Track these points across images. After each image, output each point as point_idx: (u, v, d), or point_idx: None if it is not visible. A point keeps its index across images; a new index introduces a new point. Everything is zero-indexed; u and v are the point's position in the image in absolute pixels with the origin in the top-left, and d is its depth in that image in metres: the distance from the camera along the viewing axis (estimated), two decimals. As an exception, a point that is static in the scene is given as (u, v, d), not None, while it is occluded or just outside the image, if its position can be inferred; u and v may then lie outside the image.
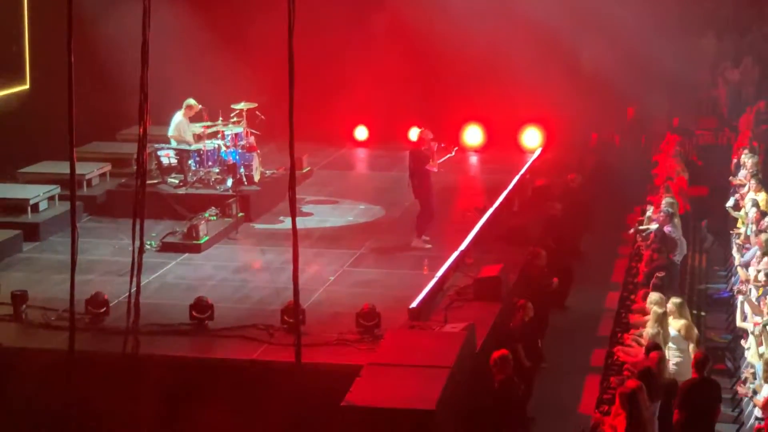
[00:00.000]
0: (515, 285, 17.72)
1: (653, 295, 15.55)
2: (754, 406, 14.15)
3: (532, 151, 27.10)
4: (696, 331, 15.16)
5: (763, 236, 18.36)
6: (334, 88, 27.20)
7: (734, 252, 19.86)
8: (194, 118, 21.94)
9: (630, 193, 24.19)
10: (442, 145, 20.72)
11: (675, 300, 15.26)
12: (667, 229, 19.01)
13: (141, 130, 11.30)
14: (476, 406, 14.06)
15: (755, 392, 14.08)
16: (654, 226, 19.44)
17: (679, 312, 15.08)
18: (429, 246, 19.77)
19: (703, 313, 19.30)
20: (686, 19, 28.71)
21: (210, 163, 21.66)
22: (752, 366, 14.83)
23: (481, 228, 20.09)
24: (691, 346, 14.75)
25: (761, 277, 17.20)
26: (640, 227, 20.29)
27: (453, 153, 21.30)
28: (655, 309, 15.03)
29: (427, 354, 14.09)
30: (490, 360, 13.73)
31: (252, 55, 25.99)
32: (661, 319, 14.84)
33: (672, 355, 14.56)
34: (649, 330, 14.79)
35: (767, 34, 31.92)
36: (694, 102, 29.58)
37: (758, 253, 18.09)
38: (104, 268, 18.38)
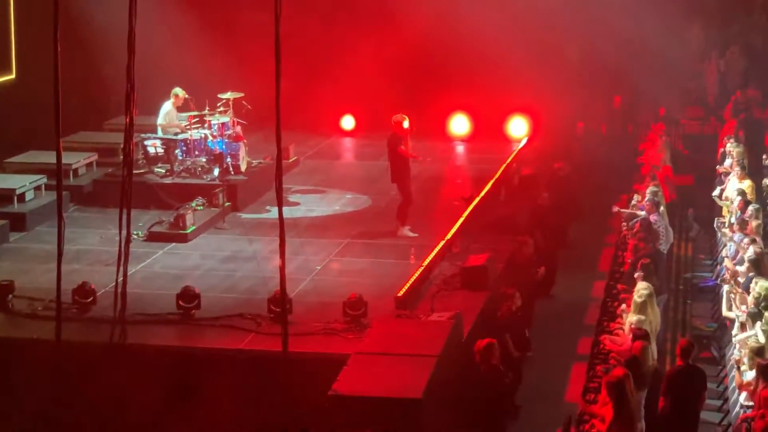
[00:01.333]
0: (502, 274, 17.74)
1: (640, 284, 15.59)
2: (740, 394, 14.22)
3: (519, 141, 27.12)
4: (655, 321, 15.17)
5: (754, 223, 18.41)
6: (321, 78, 27.20)
7: (720, 240, 19.92)
8: (181, 108, 21.94)
9: (616, 181, 24.23)
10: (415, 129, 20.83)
11: (643, 291, 15.26)
12: (653, 218, 19.06)
13: (128, 119, 11.31)
14: (463, 395, 14.10)
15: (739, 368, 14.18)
16: (642, 213, 19.48)
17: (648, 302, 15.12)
18: (414, 234, 19.79)
19: (688, 302, 19.36)
20: (673, 8, 28.72)
21: (197, 153, 21.65)
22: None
23: (468, 217, 20.10)
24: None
25: (744, 267, 17.25)
26: (625, 210, 20.34)
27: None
28: (635, 299, 15.09)
29: (414, 343, 14.11)
30: (475, 349, 13.76)
31: (239, 44, 25.97)
32: (642, 308, 14.89)
33: None
34: (633, 318, 14.83)
35: (753, 24, 31.97)
36: (681, 91, 29.63)
37: (745, 240, 18.13)
38: (91, 257, 18.38)
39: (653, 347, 14.34)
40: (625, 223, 19.96)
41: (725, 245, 19.45)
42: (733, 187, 20.92)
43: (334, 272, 18.08)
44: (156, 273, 17.98)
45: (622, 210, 20.48)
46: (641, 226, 18.79)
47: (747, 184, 20.74)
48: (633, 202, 20.76)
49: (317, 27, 27.28)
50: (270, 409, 13.99)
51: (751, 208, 19.15)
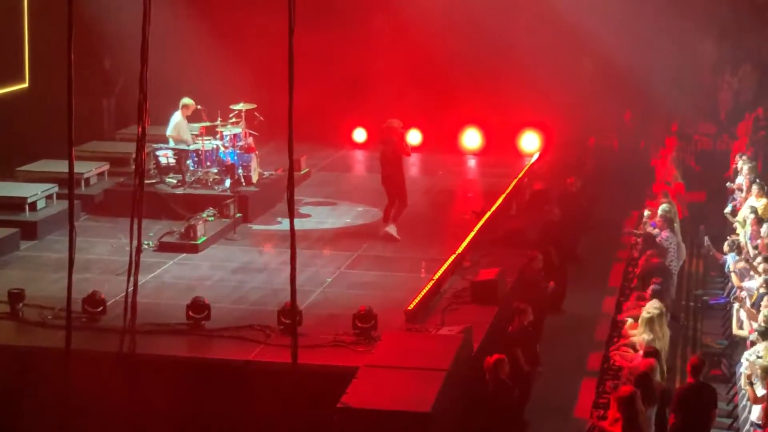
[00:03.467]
0: (512, 288, 17.72)
1: (651, 303, 15.55)
2: (749, 412, 14.16)
3: (531, 155, 27.11)
4: (663, 341, 15.14)
5: (766, 240, 18.37)
6: (334, 90, 27.22)
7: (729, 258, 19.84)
8: (192, 118, 21.95)
9: (628, 197, 24.21)
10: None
11: (654, 308, 15.22)
12: (665, 234, 19.02)
13: (140, 129, 11.31)
14: (472, 409, 14.07)
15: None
16: (655, 231, 19.44)
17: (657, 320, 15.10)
18: (398, 237, 20.22)
19: (699, 319, 19.30)
20: (685, 25, 28.74)
21: (208, 164, 21.66)
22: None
23: (479, 231, 20.11)
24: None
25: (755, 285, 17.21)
26: (639, 233, 20.31)
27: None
28: (643, 315, 15.04)
29: (424, 356, 14.09)
30: (485, 364, 13.73)
31: (251, 55, 26.01)
32: (650, 324, 14.84)
33: None
34: (645, 336, 14.78)
35: (766, 41, 31.95)
36: (693, 107, 29.62)
37: (758, 258, 18.09)
38: (101, 267, 18.39)
39: (663, 365, 14.30)
40: (637, 237, 19.87)
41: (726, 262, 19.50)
42: (748, 204, 20.85)
43: (344, 284, 18.07)
44: (166, 283, 17.98)
45: (637, 232, 20.43)
46: (646, 242, 18.81)
47: (763, 203, 20.64)
48: (644, 218, 20.74)
49: (330, 39, 27.30)
50: (279, 422, 13.96)
51: (765, 226, 19.07)
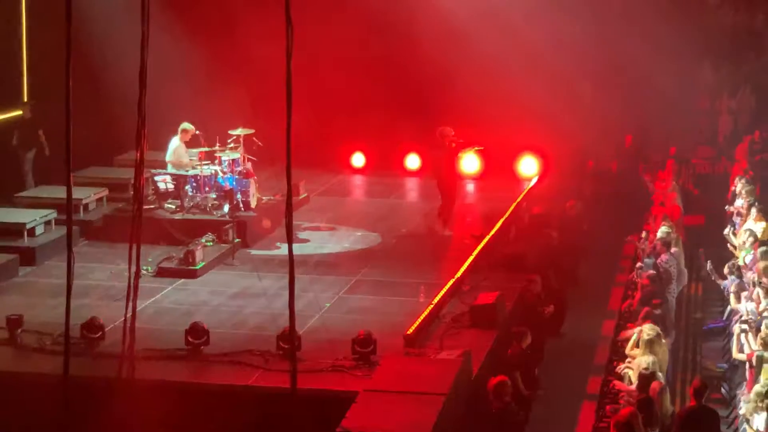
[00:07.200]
0: (511, 312, 17.71)
1: (645, 326, 15.54)
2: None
3: (529, 179, 27.11)
4: (665, 360, 15.13)
5: (761, 264, 18.33)
6: (332, 115, 27.24)
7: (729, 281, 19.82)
8: (191, 143, 21.97)
9: (627, 221, 24.20)
10: (461, 140, 22.49)
11: (650, 330, 15.25)
12: (663, 257, 19.00)
13: (138, 155, 11.32)
14: (472, 433, 14.04)
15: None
16: (649, 260, 19.43)
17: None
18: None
19: (698, 343, 19.29)
20: (685, 48, 28.79)
21: (207, 189, 21.67)
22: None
23: (478, 255, 20.09)
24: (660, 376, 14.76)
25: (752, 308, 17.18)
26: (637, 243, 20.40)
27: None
28: (644, 337, 15.02)
29: (423, 381, 14.07)
30: (488, 386, 13.72)
31: (250, 81, 26.03)
32: (651, 347, 14.81)
33: None
34: (644, 358, 14.75)
35: (764, 65, 32.01)
36: (692, 130, 29.64)
37: (753, 281, 18.08)
38: (100, 292, 18.37)
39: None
40: (639, 264, 19.83)
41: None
42: (747, 227, 20.83)
43: (343, 309, 18.05)
44: (165, 308, 17.97)
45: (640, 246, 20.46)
46: (646, 266, 18.81)
47: (762, 226, 20.61)
48: (642, 241, 20.73)
49: (328, 64, 27.34)
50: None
51: (760, 251, 19.03)
